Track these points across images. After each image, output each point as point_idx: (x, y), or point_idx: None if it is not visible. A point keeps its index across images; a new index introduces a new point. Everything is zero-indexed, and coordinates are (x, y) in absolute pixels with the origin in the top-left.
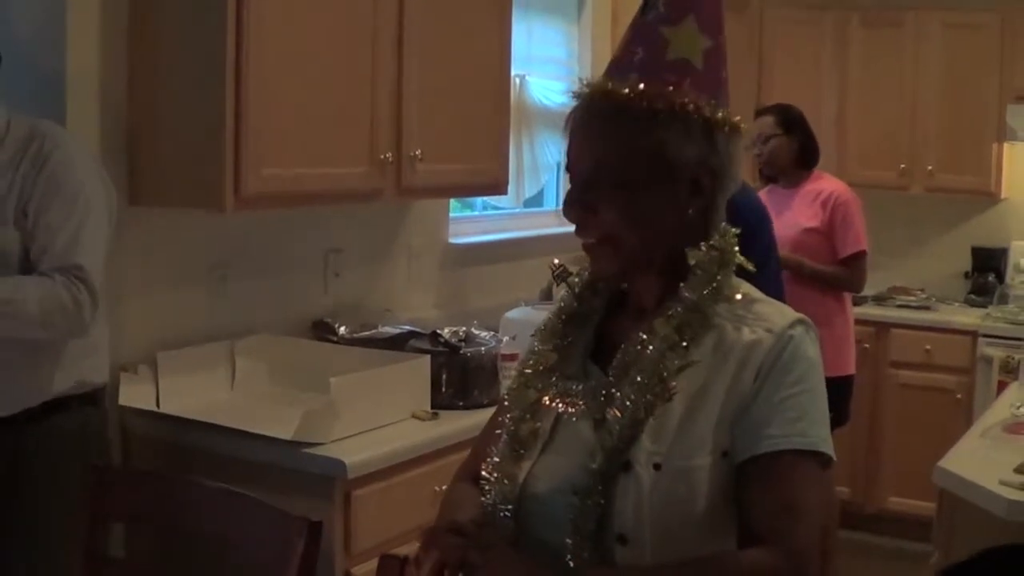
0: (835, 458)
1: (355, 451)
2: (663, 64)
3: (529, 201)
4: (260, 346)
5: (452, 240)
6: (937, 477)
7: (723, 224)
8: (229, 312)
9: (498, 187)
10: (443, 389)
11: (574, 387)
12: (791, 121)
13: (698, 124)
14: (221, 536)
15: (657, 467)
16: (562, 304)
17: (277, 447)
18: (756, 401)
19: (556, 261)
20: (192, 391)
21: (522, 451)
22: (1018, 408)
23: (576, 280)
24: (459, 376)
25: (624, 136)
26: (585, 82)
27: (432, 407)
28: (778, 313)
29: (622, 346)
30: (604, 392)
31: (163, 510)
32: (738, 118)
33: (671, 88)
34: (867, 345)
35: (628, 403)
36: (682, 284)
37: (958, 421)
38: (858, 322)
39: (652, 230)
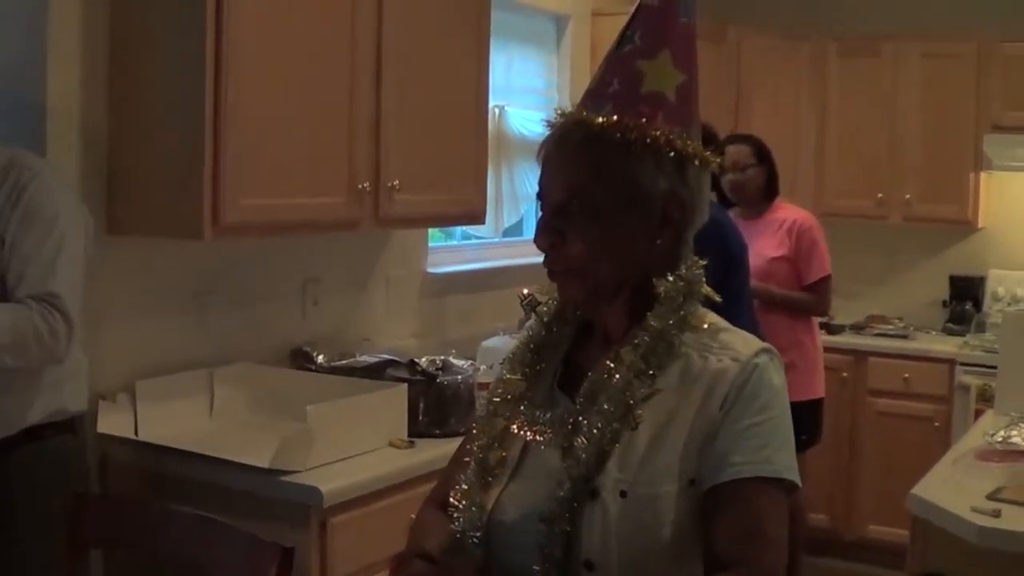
0: (800, 485)
1: (331, 479)
2: (638, 96)
3: (508, 231)
4: (239, 374)
5: (430, 269)
6: (911, 504)
7: (691, 255)
8: (208, 341)
9: (476, 217)
10: (420, 417)
11: (542, 415)
12: (764, 152)
13: (669, 156)
14: (196, 562)
15: (624, 494)
16: (531, 333)
17: (254, 475)
18: (722, 429)
19: (525, 291)
20: (170, 419)
21: (490, 479)
22: (992, 436)
23: (545, 309)
24: (436, 404)
25: (597, 164)
26: (560, 112)
27: (409, 435)
28: (743, 342)
29: (589, 374)
30: (571, 420)
31: (140, 537)
32: (708, 152)
33: (645, 120)
34: (845, 373)
35: (595, 431)
36: (649, 313)
37: (936, 449)
38: (836, 350)
39: (620, 260)
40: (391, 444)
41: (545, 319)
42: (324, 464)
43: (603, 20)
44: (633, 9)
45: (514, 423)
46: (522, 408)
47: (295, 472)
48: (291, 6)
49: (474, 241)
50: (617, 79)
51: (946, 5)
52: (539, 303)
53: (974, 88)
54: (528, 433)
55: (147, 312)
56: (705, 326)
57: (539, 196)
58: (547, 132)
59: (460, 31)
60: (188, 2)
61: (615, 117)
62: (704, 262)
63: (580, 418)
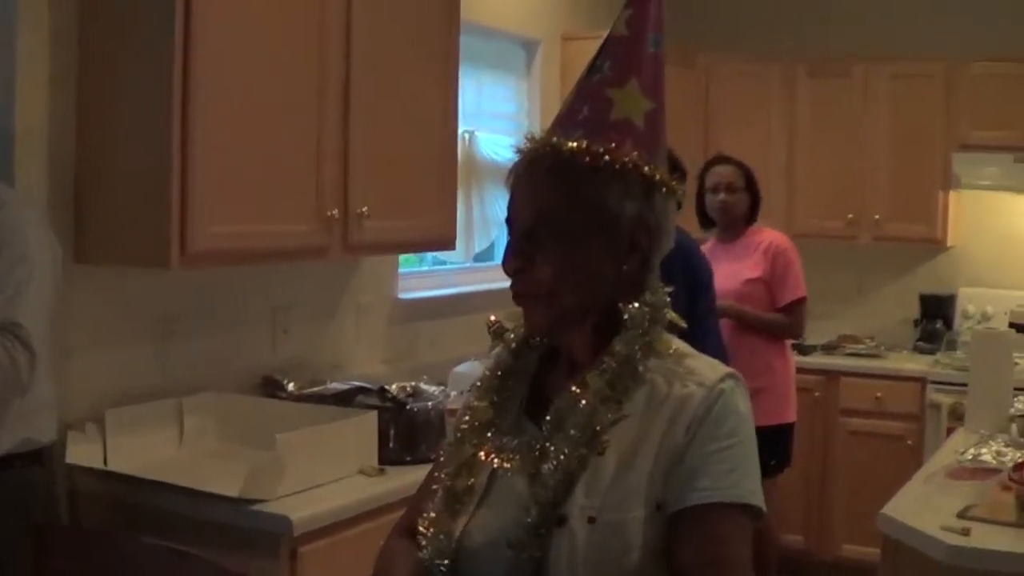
0: (764, 510)
1: (301, 507)
2: (607, 123)
3: (479, 256)
4: (208, 403)
5: (401, 295)
6: (881, 523)
7: (657, 281)
8: (177, 369)
9: (446, 243)
10: (390, 444)
11: (509, 442)
12: (751, 178)
13: (638, 182)
14: None
15: (591, 520)
16: (498, 360)
17: (224, 504)
18: (687, 454)
19: (492, 317)
20: (140, 449)
21: (458, 506)
22: (962, 454)
23: (512, 336)
24: (406, 431)
25: (567, 189)
26: (530, 138)
27: (379, 463)
28: (708, 367)
29: (555, 400)
30: (538, 446)
31: (108, 568)
32: (675, 180)
33: (614, 146)
34: (817, 393)
35: (561, 457)
36: (615, 339)
37: (909, 467)
38: (808, 371)
39: (587, 285)
40: (361, 472)
41: (512, 346)
42: (294, 493)
43: (573, 45)
44: (603, 39)
45: (482, 450)
46: (489, 435)
47: (265, 501)
48: (259, 33)
49: (445, 267)
50: (587, 106)
51: (914, 26)
52: (506, 330)
53: (943, 108)
54: (495, 460)
55: (116, 341)
56: (670, 352)
57: (508, 221)
58: (516, 158)
59: (429, 57)
60: (156, 29)
61: (585, 143)
62: (670, 288)
63: (547, 444)
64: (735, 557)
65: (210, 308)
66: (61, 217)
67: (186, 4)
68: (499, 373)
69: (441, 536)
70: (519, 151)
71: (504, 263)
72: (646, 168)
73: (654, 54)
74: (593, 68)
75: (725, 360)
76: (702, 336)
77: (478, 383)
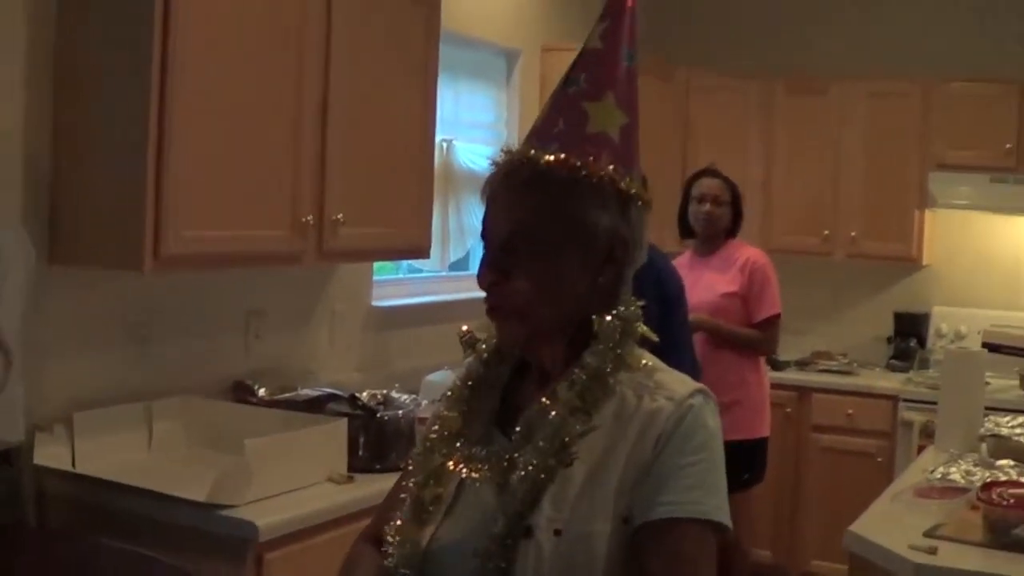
0: (730, 527)
1: (268, 514)
2: (583, 136)
3: (454, 265)
4: (178, 407)
5: (375, 303)
6: (848, 541)
7: (629, 294)
8: (148, 373)
9: (420, 251)
10: (360, 452)
11: (478, 452)
12: (736, 193)
13: (613, 196)
14: None
15: (558, 533)
16: (468, 370)
17: (191, 509)
18: (654, 467)
19: (464, 327)
20: (108, 452)
21: (425, 515)
22: (931, 472)
23: (484, 347)
24: (376, 439)
25: (544, 202)
26: (506, 150)
27: (349, 470)
28: (679, 382)
29: (524, 411)
30: (507, 457)
31: (70, 570)
32: (649, 195)
33: (591, 159)
34: (789, 409)
35: (530, 468)
36: (585, 352)
37: (879, 485)
38: (780, 386)
39: (563, 300)
40: (330, 479)
41: (484, 356)
42: (262, 499)
43: (553, 55)
44: (578, 52)
45: (450, 460)
46: (458, 445)
47: (232, 507)
48: (238, 37)
49: (420, 275)
50: (563, 119)
51: (892, 45)
52: (478, 340)
53: (919, 127)
54: (464, 470)
55: (87, 343)
56: (641, 366)
57: (483, 234)
58: (492, 170)
59: (408, 65)
60: (133, 34)
61: (562, 155)
62: (642, 303)
63: (515, 455)
64: (697, 572)
65: (183, 312)
66: (36, 218)
67: (165, 8)
68: (469, 383)
69: (407, 544)
70: (494, 164)
71: (479, 276)
72: (622, 182)
73: (628, 68)
74: (568, 81)
75: (698, 375)
76: (674, 350)
77: (448, 392)
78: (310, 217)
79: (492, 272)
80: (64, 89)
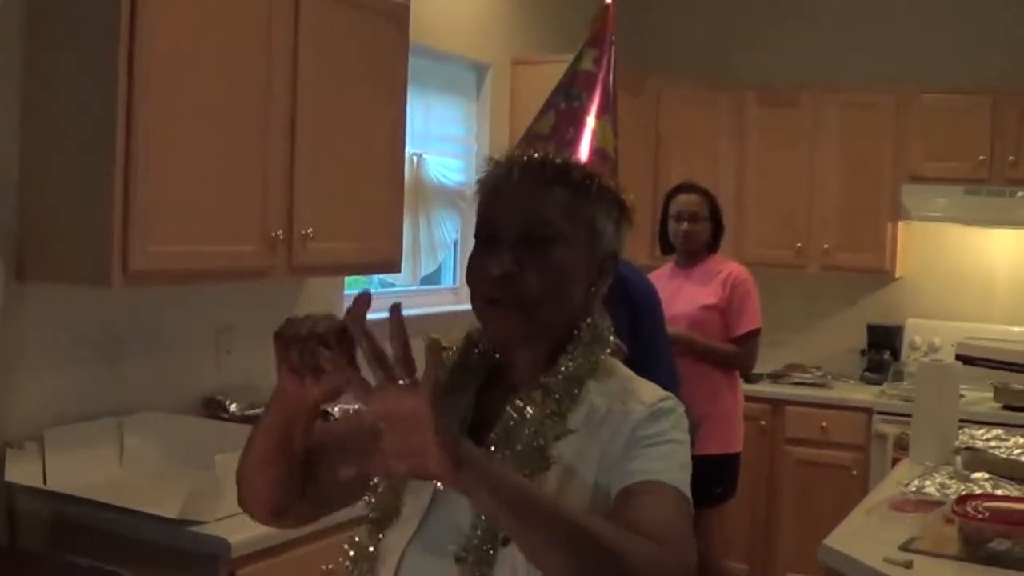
0: (687, 496)
1: (240, 530)
2: (592, 149)
3: (426, 279)
4: (149, 423)
5: None
6: (823, 554)
7: (600, 306)
8: (119, 389)
9: (391, 265)
10: None
11: None
12: (715, 206)
13: (616, 209)
14: None
15: None
16: None
17: (163, 525)
18: (624, 454)
19: (431, 335)
20: (80, 468)
21: (398, 524)
22: (906, 485)
23: (449, 355)
24: None
25: (567, 202)
26: (520, 149)
27: None
28: (650, 390)
29: (501, 416)
30: None
31: None
32: (634, 217)
33: (604, 172)
34: (763, 422)
35: None
36: (560, 357)
37: (853, 497)
38: (754, 399)
39: (565, 302)
40: None
41: (449, 366)
42: (233, 515)
43: (523, 69)
44: (570, 70)
45: None
46: None
47: (204, 523)
48: (204, 52)
49: (392, 289)
50: (572, 129)
51: (865, 55)
52: (444, 348)
53: (892, 138)
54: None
55: (57, 360)
56: (613, 374)
57: (484, 233)
58: (495, 167)
59: (377, 78)
60: (99, 47)
61: (582, 160)
62: (608, 319)
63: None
64: (677, 525)
65: (153, 328)
66: (3, 234)
67: (131, 21)
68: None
69: (371, 549)
70: (499, 162)
71: (488, 266)
72: (623, 197)
73: (614, 96)
74: (570, 95)
75: (677, 383)
76: (650, 360)
77: None
78: (279, 232)
79: (506, 264)
80: (31, 106)
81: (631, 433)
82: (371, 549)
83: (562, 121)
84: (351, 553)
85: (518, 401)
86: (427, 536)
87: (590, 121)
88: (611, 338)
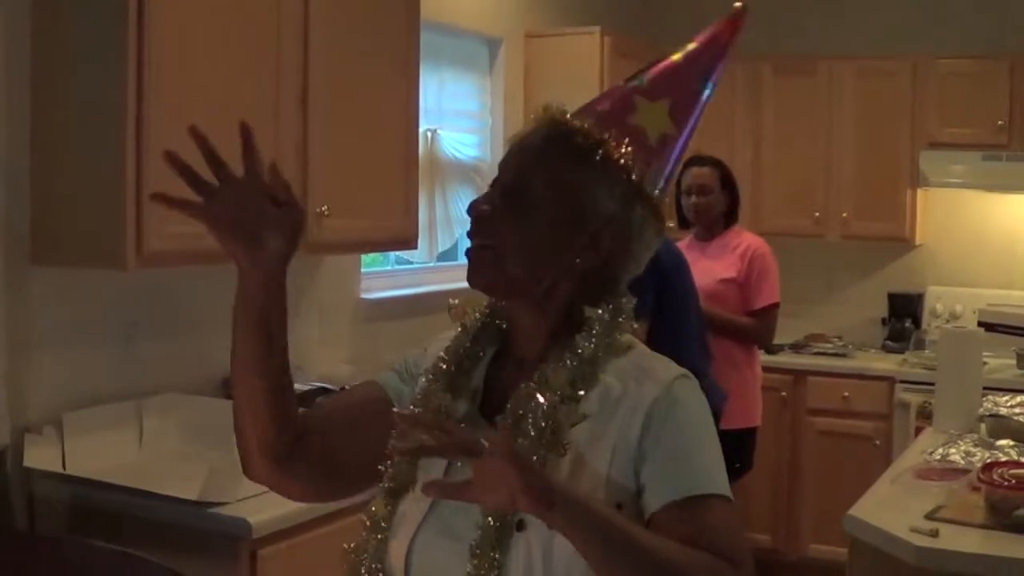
0: (731, 498)
1: (261, 510)
2: (622, 122)
3: (442, 255)
4: (168, 405)
5: (364, 295)
6: (848, 524)
7: (625, 292)
8: (137, 371)
9: (408, 242)
10: None
11: None
12: (727, 177)
13: (624, 186)
14: None
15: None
16: (456, 344)
17: (183, 507)
18: (648, 454)
19: (455, 301)
20: (99, 452)
21: (409, 498)
22: (930, 454)
23: (474, 319)
24: None
25: (555, 162)
26: (545, 108)
27: None
28: (663, 367)
29: (512, 396)
30: None
31: (59, 573)
32: (663, 209)
33: (615, 142)
34: (784, 393)
35: None
36: (577, 336)
37: (877, 467)
38: (775, 370)
39: (535, 262)
40: None
41: (472, 331)
42: (253, 495)
43: (536, 42)
44: (658, 58)
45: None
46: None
47: (224, 504)
48: (214, 31)
49: (408, 266)
50: (609, 102)
51: (881, 22)
52: (467, 313)
53: (909, 105)
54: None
55: (74, 343)
56: (628, 352)
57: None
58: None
59: (389, 55)
60: (110, 28)
61: (588, 125)
62: (634, 300)
63: None
64: (733, 541)
65: (170, 309)
66: (18, 218)
67: (139, 3)
68: (455, 358)
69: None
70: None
71: (469, 206)
72: (635, 176)
73: (697, 94)
74: (632, 77)
75: (708, 359)
76: (679, 334)
77: (434, 369)
78: None
79: (484, 203)
80: (43, 88)
81: (646, 419)
82: (383, 524)
83: (606, 96)
84: (367, 523)
85: (531, 383)
86: (439, 516)
87: (636, 100)
88: (629, 321)
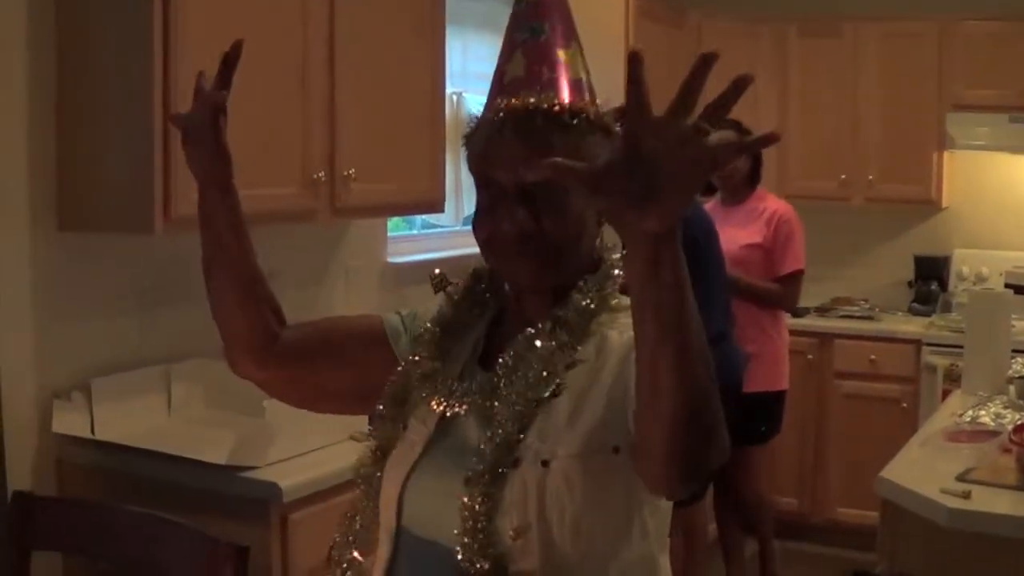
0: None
1: (290, 474)
2: (569, 82)
3: (468, 219)
4: (196, 370)
5: (391, 259)
6: (879, 487)
7: (608, 244)
8: (164, 336)
9: (434, 205)
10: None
11: (460, 386)
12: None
13: (601, 133)
14: (150, 562)
15: (545, 464)
16: (440, 313)
17: (212, 472)
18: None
19: (436, 271)
20: (127, 417)
21: (403, 453)
22: (960, 416)
23: (453, 289)
24: None
25: (563, 145)
26: (500, 103)
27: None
28: None
29: (509, 345)
30: (491, 389)
31: (91, 538)
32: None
33: (586, 103)
34: (811, 356)
35: (515, 397)
36: (572, 292)
37: (904, 430)
38: (802, 333)
39: (581, 242)
40: (351, 438)
41: (455, 298)
42: (283, 460)
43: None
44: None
45: (431, 399)
46: (437, 384)
47: (254, 468)
48: None
49: (435, 230)
50: (546, 68)
51: None
52: (449, 283)
53: (936, 67)
54: (445, 405)
55: (102, 309)
56: (622, 307)
57: (488, 186)
58: (484, 120)
59: (414, 17)
60: None
61: (566, 101)
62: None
63: (500, 385)
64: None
65: (196, 274)
66: (44, 184)
67: None
68: (442, 326)
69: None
70: (480, 117)
71: (501, 224)
72: (611, 125)
73: (571, 17)
74: (534, 29)
75: (727, 314)
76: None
77: (421, 336)
78: (321, 173)
79: (526, 219)
80: (68, 51)
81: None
82: (378, 475)
83: (533, 60)
84: (361, 485)
85: (529, 330)
86: (433, 460)
87: (561, 55)
88: (617, 272)
